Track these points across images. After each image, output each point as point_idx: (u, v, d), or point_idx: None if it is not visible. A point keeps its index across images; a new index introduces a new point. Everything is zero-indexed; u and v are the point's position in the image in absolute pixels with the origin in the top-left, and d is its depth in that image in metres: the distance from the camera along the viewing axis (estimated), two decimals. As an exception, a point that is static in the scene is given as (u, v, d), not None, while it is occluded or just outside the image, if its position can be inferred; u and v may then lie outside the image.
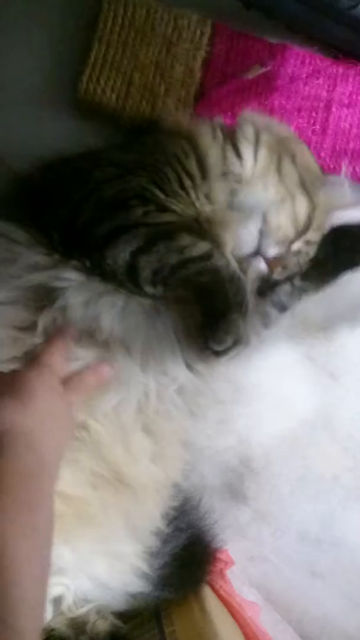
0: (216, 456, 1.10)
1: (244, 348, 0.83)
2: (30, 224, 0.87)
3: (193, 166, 0.90)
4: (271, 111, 1.12)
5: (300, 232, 0.93)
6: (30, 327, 0.82)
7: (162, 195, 0.87)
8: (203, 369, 0.90)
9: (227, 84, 1.12)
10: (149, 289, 0.83)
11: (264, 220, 0.90)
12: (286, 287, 0.95)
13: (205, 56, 1.12)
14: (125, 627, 0.89)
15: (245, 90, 1.12)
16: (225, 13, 1.15)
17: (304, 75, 1.14)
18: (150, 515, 0.90)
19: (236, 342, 0.80)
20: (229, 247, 0.88)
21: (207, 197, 0.90)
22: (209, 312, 0.81)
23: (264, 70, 1.13)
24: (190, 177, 0.89)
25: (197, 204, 0.89)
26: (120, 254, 0.82)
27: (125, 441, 0.84)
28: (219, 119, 1.02)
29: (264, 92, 1.12)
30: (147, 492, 0.87)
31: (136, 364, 0.85)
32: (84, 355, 0.82)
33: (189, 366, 0.89)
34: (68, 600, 0.83)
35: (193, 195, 0.89)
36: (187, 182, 0.89)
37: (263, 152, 0.94)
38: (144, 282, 0.83)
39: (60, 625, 0.84)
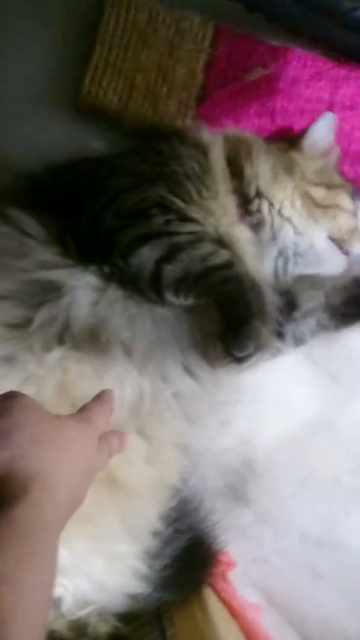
0: (218, 458, 1.10)
1: (265, 355, 0.84)
2: (47, 221, 0.88)
3: (209, 178, 0.91)
4: (273, 113, 1.12)
5: None
6: (24, 324, 0.82)
7: (182, 204, 0.88)
8: (204, 375, 0.91)
9: (229, 86, 1.12)
10: (171, 298, 0.84)
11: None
12: (311, 322, 0.98)
13: (207, 58, 1.12)
14: (127, 629, 0.88)
15: (247, 92, 1.12)
16: (228, 15, 1.15)
17: (306, 78, 1.14)
18: (147, 516, 0.90)
19: (258, 349, 0.82)
20: (246, 256, 0.90)
21: (224, 208, 0.91)
22: (230, 319, 0.82)
23: (266, 72, 1.13)
24: (208, 188, 0.91)
25: (217, 214, 0.90)
26: (145, 263, 0.83)
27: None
28: (232, 129, 1.03)
29: (266, 95, 1.12)
30: (142, 493, 0.87)
31: (134, 366, 0.85)
32: (83, 354, 0.83)
33: (188, 371, 0.89)
34: (68, 602, 0.82)
35: (213, 204, 0.90)
36: (205, 193, 0.90)
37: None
38: (166, 290, 0.84)
39: (61, 627, 0.84)
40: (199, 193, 0.91)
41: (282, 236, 0.96)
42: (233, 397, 1.10)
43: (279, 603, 1.07)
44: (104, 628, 0.86)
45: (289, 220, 0.97)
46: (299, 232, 0.97)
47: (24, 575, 0.47)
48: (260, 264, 0.94)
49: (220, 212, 0.92)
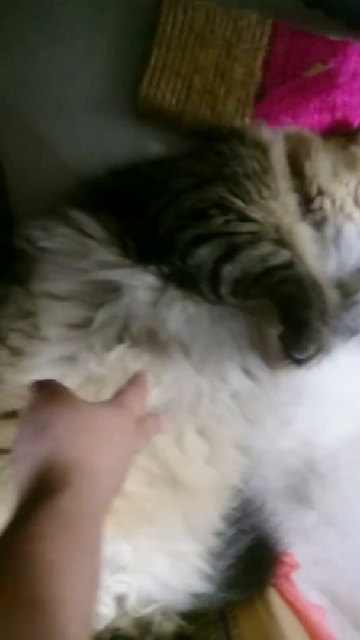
0: (279, 459, 1.09)
1: (326, 356, 0.83)
2: (107, 222, 0.89)
3: (270, 178, 0.91)
4: (334, 109, 1.10)
5: None
6: (84, 324, 0.84)
7: (241, 204, 0.88)
8: (262, 376, 0.90)
9: (288, 83, 1.11)
10: (230, 298, 0.84)
11: None
12: None
13: (266, 56, 1.11)
14: (191, 628, 0.89)
15: (306, 88, 1.11)
16: (285, 12, 1.14)
17: (367, 72, 1.12)
18: (209, 515, 0.90)
19: (319, 350, 0.80)
20: (307, 255, 0.89)
21: (285, 207, 0.90)
22: (290, 320, 0.81)
23: (325, 68, 1.11)
24: (269, 187, 0.90)
25: (278, 213, 0.89)
26: (204, 263, 0.83)
27: (179, 442, 0.85)
28: (291, 128, 1.03)
29: (326, 90, 1.10)
30: (203, 493, 0.88)
31: (192, 366, 0.85)
32: (142, 353, 0.84)
33: (247, 372, 0.89)
34: (132, 599, 0.84)
35: (273, 204, 0.90)
36: (266, 192, 0.90)
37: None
38: (225, 291, 0.84)
39: (126, 625, 0.85)
40: (259, 192, 0.90)
41: (345, 233, 0.95)
42: (293, 398, 1.09)
43: (343, 604, 1.05)
44: (168, 626, 0.87)
45: (351, 216, 0.95)
46: None
47: (70, 564, 0.47)
48: (321, 263, 0.93)
49: (281, 211, 0.91)
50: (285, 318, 0.81)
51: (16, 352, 0.82)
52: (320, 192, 0.95)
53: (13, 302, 0.86)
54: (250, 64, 1.11)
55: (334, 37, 1.13)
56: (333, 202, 0.95)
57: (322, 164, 0.96)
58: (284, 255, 0.84)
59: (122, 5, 1.16)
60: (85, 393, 0.81)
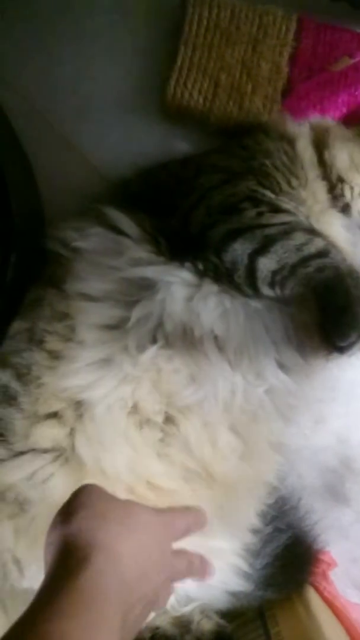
0: (314, 457, 1.08)
1: None
2: (141, 220, 0.89)
3: (298, 168, 0.91)
4: (362, 102, 1.10)
5: None
6: (119, 325, 0.84)
7: (272, 195, 0.88)
8: (298, 369, 0.89)
9: (315, 77, 1.10)
10: (267, 291, 0.84)
11: None
12: None
13: (292, 51, 1.11)
14: (230, 626, 0.89)
15: (334, 82, 1.10)
16: (310, 6, 1.13)
17: (395, 64, 1.11)
18: (245, 512, 0.90)
19: None
20: (341, 241, 0.88)
21: (314, 195, 0.90)
22: (330, 308, 0.81)
23: (352, 61, 1.10)
24: (297, 177, 0.90)
25: (308, 202, 0.89)
26: (239, 257, 0.83)
27: (212, 438, 0.84)
28: (315, 119, 1.02)
29: (354, 83, 1.10)
30: (238, 489, 0.87)
31: (226, 362, 0.85)
32: (176, 354, 0.83)
33: (282, 367, 0.88)
34: (171, 597, 0.84)
35: (303, 193, 0.89)
36: (295, 182, 0.90)
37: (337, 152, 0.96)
38: (262, 283, 0.83)
39: (165, 623, 0.86)
40: (289, 183, 0.90)
41: None
42: (328, 395, 1.08)
43: (381, 603, 1.04)
44: (207, 625, 0.87)
45: None
46: None
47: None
48: (354, 249, 0.93)
49: (311, 200, 0.91)
50: (325, 306, 0.81)
51: (54, 355, 0.82)
52: (340, 180, 0.95)
53: (48, 304, 0.86)
54: (276, 60, 1.10)
55: (360, 30, 1.12)
56: (351, 188, 0.94)
57: (339, 152, 0.96)
58: (318, 244, 0.84)
59: (147, 5, 1.17)
60: (122, 393, 0.82)
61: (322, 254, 0.83)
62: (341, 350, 0.80)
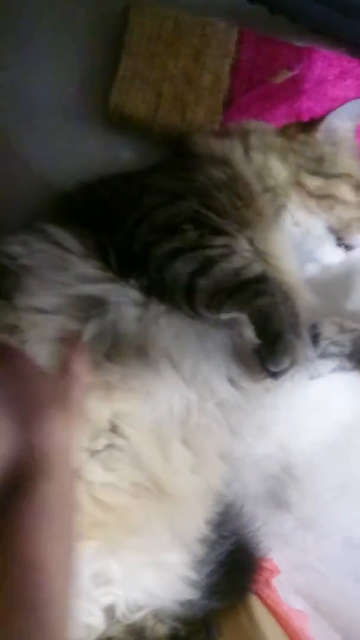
0: (257, 464, 1.09)
1: (300, 369, 0.83)
2: (83, 237, 0.88)
3: (240, 187, 0.91)
4: (300, 115, 1.11)
5: None
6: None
7: (215, 217, 0.88)
8: (246, 385, 0.91)
9: (256, 89, 1.12)
10: (204, 312, 0.84)
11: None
12: (331, 365, 1.03)
13: (233, 63, 1.12)
14: (185, 629, 0.88)
15: (273, 95, 1.12)
16: (250, 19, 1.14)
17: (332, 77, 1.14)
18: (195, 522, 0.90)
19: (293, 363, 0.80)
20: (282, 264, 0.89)
21: (259, 213, 0.91)
22: (264, 334, 0.81)
23: (291, 74, 1.12)
24: (241, 197, 0.90)
25: (254, 222, 0.90)
26: (179, 277, 0.83)
27: (164, 452, 0.84)
28: (242, 123, 1.04)
29: (292, 96, 1.12)
30: (189, 501, 0.87)
31: (182, 379, 0.85)
32: (131, 370, 0.83)
33: (232, 382, 0.89)
34: (121, 608, 0.83)
35: (247, 213, 0.90)
36: (239, 202, 0.90)
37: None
38: (200, 304, 0.83)
39: (117, 633, 0.84)
40: (232, 203, 0.91)
41: (285, 227, 0.97)
42: (270, 402, 1.09)
43: (324, 609, 1.06)
44: (162, 629, 0.86)
45: (285, 209, 0.97)
46: (296, 221, 0.97)
47: (53, 560, 0.47)
48: (297, 264, 0.95)
49: (256, 219, 0.92)
50: (260, 332, 0.81)
51: None
52: (274, 190, 0.96)
53: None
54: (218, 71, 1.11)
55: (299, 43, 1.14)
56: (286, 197, 0.97)
57: (255, 157, 0.97)
58: (256, 269, 0.84)
59: (90, 13, 1.16)
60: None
61: (259, 279, 0.83)
62: (274, 375, 0.80)
